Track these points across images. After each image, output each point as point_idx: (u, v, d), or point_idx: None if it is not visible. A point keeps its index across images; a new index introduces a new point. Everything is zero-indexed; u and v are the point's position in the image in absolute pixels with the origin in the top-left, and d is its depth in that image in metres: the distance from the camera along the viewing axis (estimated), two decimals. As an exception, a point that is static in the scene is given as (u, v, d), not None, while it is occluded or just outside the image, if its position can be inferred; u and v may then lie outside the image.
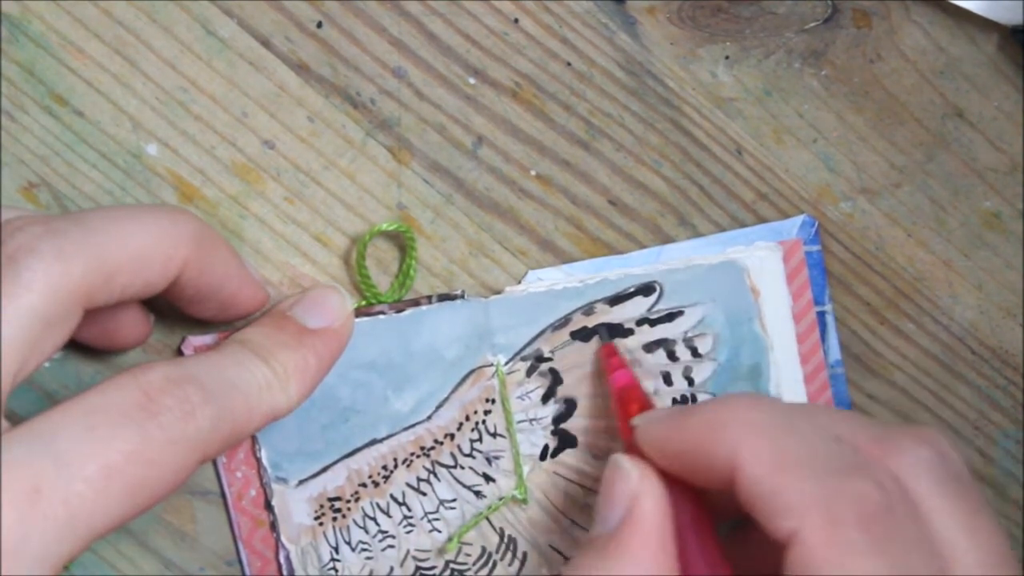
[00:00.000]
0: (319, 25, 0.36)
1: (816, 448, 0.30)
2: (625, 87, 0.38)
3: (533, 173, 0.38)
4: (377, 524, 0.38)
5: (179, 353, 0.36)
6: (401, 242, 0.38)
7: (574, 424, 0.39)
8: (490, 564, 0.39)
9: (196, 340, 0.36)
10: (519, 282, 0.39)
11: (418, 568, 0.38)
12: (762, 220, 0.40)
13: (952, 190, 0.41)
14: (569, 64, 0.38)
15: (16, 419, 0.28)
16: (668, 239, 0.39)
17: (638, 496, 0.32)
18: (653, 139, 0.39)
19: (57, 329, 0.29)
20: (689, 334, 0.39)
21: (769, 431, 0.31)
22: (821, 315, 0.40)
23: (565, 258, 0.39)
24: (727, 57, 0.39)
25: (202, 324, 0.36)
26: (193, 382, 0.30)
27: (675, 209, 0.39)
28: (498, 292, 0.38)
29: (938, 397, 0.41)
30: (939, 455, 0.31)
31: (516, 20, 0.37)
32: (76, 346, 0.36)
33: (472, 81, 0.37)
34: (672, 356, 0.39)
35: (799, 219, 0.40)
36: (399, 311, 0.37)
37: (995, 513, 0.33)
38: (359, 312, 0.37)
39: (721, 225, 0.39)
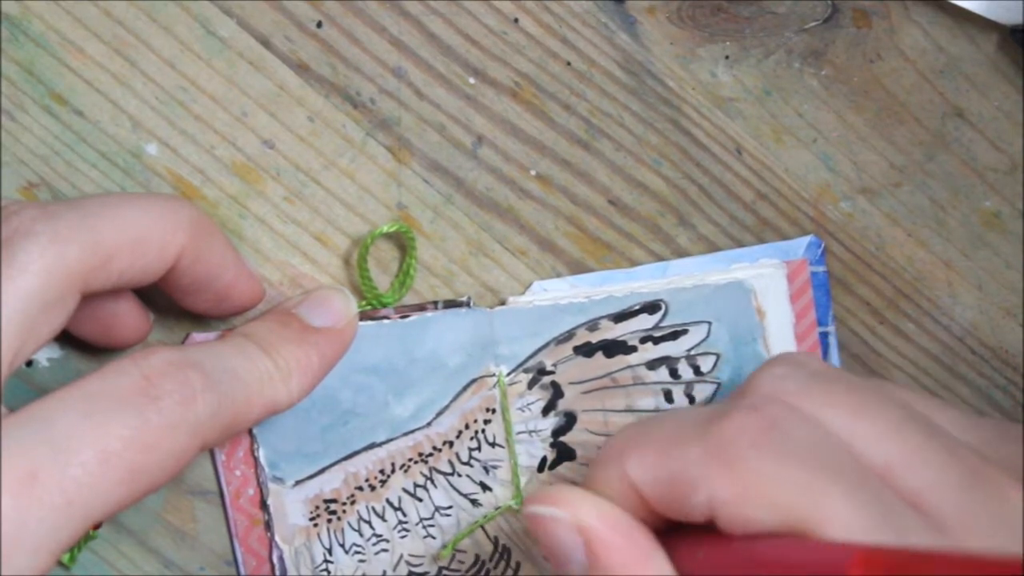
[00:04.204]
0: (319, 25, 0.38)
1: (682, 422, 0.31)
2: (625, 87, 0.40)
3: (533, 173, 0.40)
4: (372, 527, 0.39)
5: (181, 351, 0.38)
6: (401, 242, 0.39)
7: (573, 438, 0.40)
8: (483, 572, 0.40)
9: (199, 337, 0.38)
10: (521, 285, 0.40)
11: (411, 572, 0.40)
12: (762, 220, 0.41)
13: (952, 190, 0.42)
14: (569, 64, 0.39)
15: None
16: (668, 238, 0.40)
17: (582, 524, 0.31)
18: (653, 139, 0.40)
19: (54, 312, 0.30)
20: (692, 352, 0.41)
21: (640, 436, 0.31)
22: (824, 336, 0.41)
23: (565, 258, 0.40)
24: (727, 57, 0.40)
25: (203, 323, 0.38)
26: (195, 367, 0.31)
27: (675, 209, 0.40)
28: (498, 291, 0.40)
29: (938, 397, 0.42)
30: (792, 365, 0.32)
31: (516, 20, 0.39)
32: (76, 345, 0.37)
33: (472, 81, 0.39)
34: (674, 374, 0.41)
35: (805, 240, 0.41)
36: (404, 317, 0.38)
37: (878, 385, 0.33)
38: (364, 316, 0.38)
39: (721, 224, 0.41)
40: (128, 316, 0.36)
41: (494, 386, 0.40)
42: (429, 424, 0.39)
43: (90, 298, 0.34)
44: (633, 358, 0.40)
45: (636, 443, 0.31)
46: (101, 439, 0.29)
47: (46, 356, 0.37)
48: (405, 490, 0.40)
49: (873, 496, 0.29)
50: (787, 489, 0.28)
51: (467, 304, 0.39)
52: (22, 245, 0.30)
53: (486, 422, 0.40)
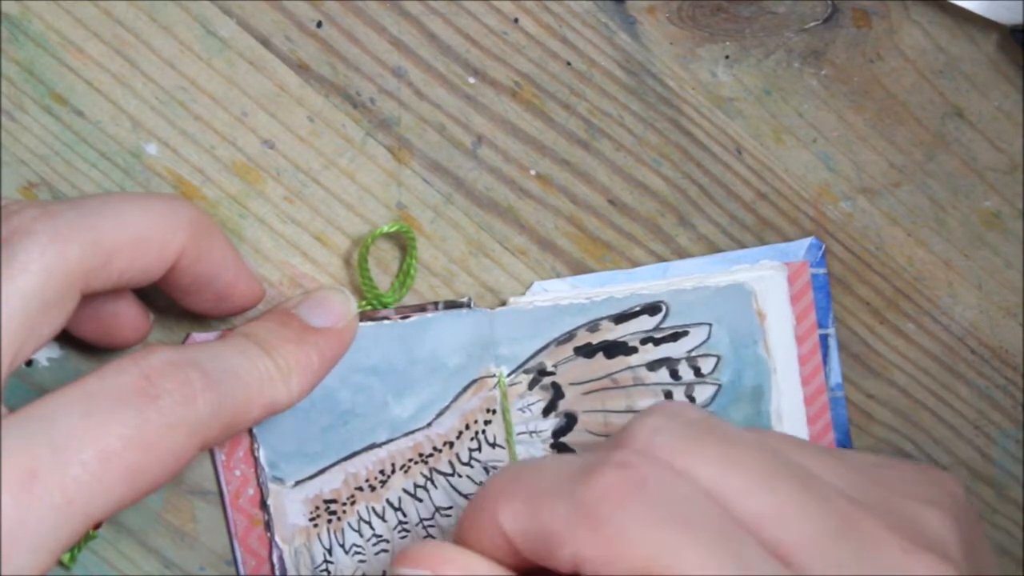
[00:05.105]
0: (319, 25, 0.38)
1: (553, 473, 0.31)
2: (625, 87, 0.40)
3: (533, 173, 0.40)
4: (372, 528, 0.40)
5: (182, 351, 0.38)
6: (401, 242, 0.39)
7: (574, 439, 0.41)
8: (484, 571, 0.41)
9: (200, 336, 0.38)
10: (521, 285, 0.40)
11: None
12: (762, 220, 0.41)
13: (952, 190, 0.42)
14: (569, 64, 0.40)
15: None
16: (668, 238, 0.41)
17: None
18: (653, 139, 0.40)
19: (54, 312, 0.31)
20: (693, 354, 0.41)
21: (513, 485, 0.31)
22: (824, 338, 0.42)
23: (565, 257, 0.40)
24: (727, 57, 0.40)
25: (203, 323, 0.38)
26: (195, 366, 0.31)
27: (675, 209, 0.41)
28: (498, 292, 0.40)
29: (938, 397, 0.43)
30: (667, 416, 0.32)
31: (516, 20, 0.39)
32: (76, 345, 0.37)
33: (472, 81, 0.39)
34: (675, 375, 0.41)
35: (806, 242, 0.41)
36: (404, 317, 0.39)
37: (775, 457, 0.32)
38: (364, 316, 0.38)
39: (721, 224, 0.41)
40: (128, 316, 0.37)
41: (494, 387, 0.40)
42: (429, 425, 0.40)
43: (90, 298, 0.34)
44: (634, 359, 0.41)
45: (508, 493, 0.31)
46: (101, 438, 0.29)
47: (46, 356, 0.38)
48: (405, 490, 0.40)
49: (736, 552, 0.29)
50: (647, 549, 0.29)
51: (467, 305, 0.39)
52: (22, 244, 0.30)
53: (486, 423, 0.40)
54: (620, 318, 0.41)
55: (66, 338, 0.37)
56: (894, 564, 0.30)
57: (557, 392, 0.40)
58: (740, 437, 0.32)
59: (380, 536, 0.40)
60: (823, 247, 0.42)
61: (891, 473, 0.34)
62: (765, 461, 0.31)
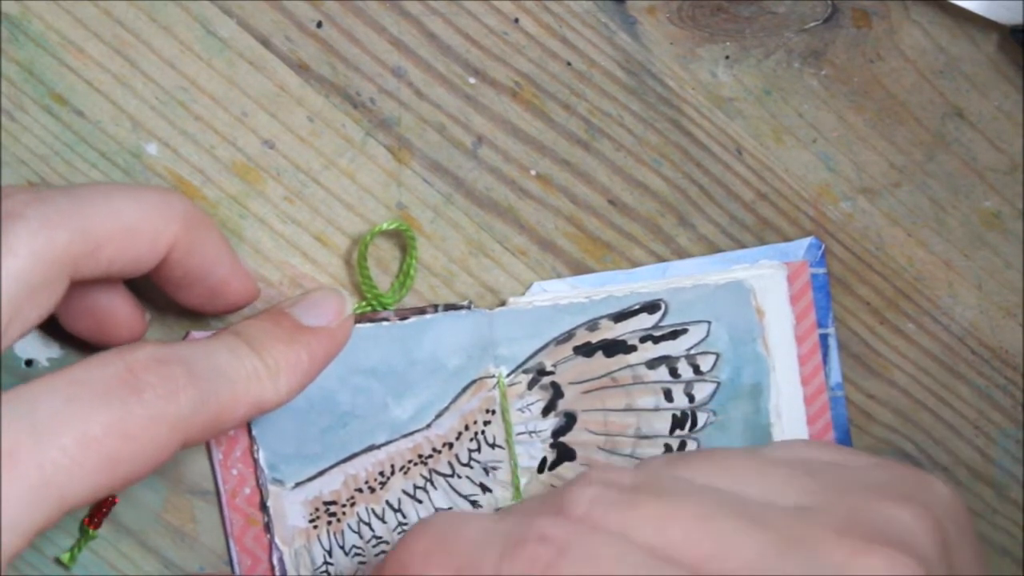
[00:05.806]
0: (319, 25, 0.38)
1: (477, 542, 0.31)
2: (625, 87, 0.40)
3: (533, 173, 0.40)
4: (372, 529, 0.40)
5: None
6: (401, 242, 0.39)
7: (573, 438, 0.41)
8: (484, 573, 0.41)
9: (199, 335, 0.38)
10: (521, 285, 0.40)
11: (412, 575, 0.41)
12: (762, 220, 0.41)
13: (952, 190, 0.42)
14: (569, 64, 0.40)
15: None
16: (668, 238, 0.41)
17: None
18: (653, 139, 0.40)
19: (41, 296, 0.31)
20: (692, 352, 0.41)
21: (440, 549, 0.31)
22: (824, 337, 0.42)
23: (565, 258, 0.41)
24: (727, 57, 0.41)
25: (202, 321, 0.38)
26: (179, 363, 0.31)
27: (675, 209, 0.41)
28: (498, 292, 0.40)
29: (938, 397, 0.43)
30: (604, 485, 0.32)
31: (516, 20, 0.39)
32: (76, 345, 0.37)
33: (472, 81, 0.39)
34: (674, 373, 0.41)
35: (806, 241, 0.41)
36: (403, 319, 0.39)
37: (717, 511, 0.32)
38: (363, 318, 0.38)
39: (721, 224, 0.41)
40: (123, 313, 0.37)
41: (494, 387, 0.40)
42: (429, 426, 0.40)
43: (85, 293, 0.35)
44: (633, 357, 0.41)
45: (436, 562, 0.31)
46: (82, 424, 0.29)
47: (46, 356, 0.38)
48: (405, 492, 0.40)
49: None
50: None
51: (467, 308, 0.40)
52: (11, 228, 0.30)
53: (486, 423, 0.40)
54: (619, 317, 0.41)
55: (66, 338, 0.37)
56: (841, 565, 0.30)
57: (556, 392, 0.41)
58: (674, 489, 0.32)
59: (380, 538, 0.40)
60: (823, 247, 0.42)
61: (877, 474, 0.34)
62: (700, 506, 0.32)
